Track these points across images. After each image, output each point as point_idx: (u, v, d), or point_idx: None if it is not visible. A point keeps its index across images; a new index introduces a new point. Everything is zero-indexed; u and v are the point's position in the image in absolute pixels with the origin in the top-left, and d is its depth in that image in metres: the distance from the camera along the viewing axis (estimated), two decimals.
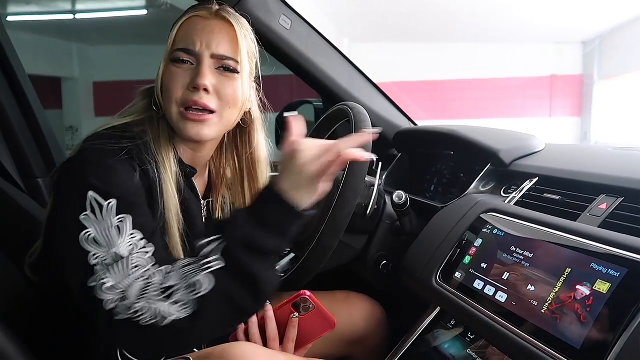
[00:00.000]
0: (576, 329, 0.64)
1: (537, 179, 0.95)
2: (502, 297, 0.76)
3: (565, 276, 0.69)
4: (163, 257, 0.76)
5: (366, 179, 0.98)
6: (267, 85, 0.99)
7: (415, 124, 1.54)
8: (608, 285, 0.64)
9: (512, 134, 1.18)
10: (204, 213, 0.97)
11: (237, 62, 0.87)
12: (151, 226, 0.78)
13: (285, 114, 0.84)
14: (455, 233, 0.93)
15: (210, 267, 0.70)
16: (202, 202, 0.97)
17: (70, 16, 7.05)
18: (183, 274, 0.70)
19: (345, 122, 1.04)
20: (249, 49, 0.90)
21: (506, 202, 0.94)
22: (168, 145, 0.88)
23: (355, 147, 0.74)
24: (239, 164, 1.01)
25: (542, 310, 0.69)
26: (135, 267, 0.72)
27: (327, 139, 1.19)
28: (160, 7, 6.55)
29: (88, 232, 0.72)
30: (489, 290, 0.79)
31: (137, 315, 0.68)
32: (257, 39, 0.93)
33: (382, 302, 1.19)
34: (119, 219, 0.73)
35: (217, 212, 1.01)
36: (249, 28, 0.91)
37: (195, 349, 0.84)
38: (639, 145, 1.06)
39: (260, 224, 0.73)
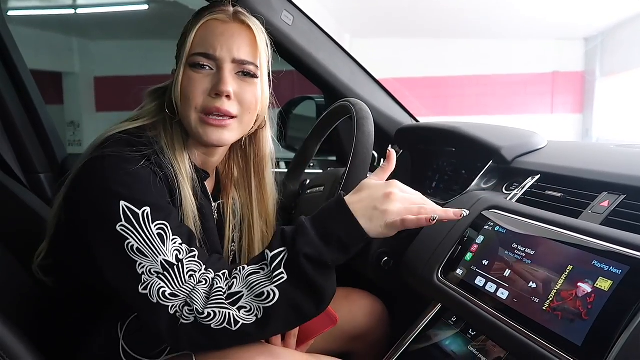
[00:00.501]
0: (577, 326, 0.64)
1: (539, 176, 0.95)
2: (503, 294, 0.76)
3: (566, 273, 0.69)
4: (207, 257, 0.77)
5: (368, 175, 0.98)
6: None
7: (416, 121, 1.54)
8: (610, 282, 0.64)
9: (514, 131, 1.18)
10: (215, 215, 0.98)
11: (257, 66, 0.86)
12: (186, 229, 0.79)
13: (390, 149, 0.85)
14: (457, 230, 0.93)
15: (278, 280, 0.72)
16: (214, 204, 0.98)
17: (71, 11, 7.05)
18: (249, 283, 0.72)
19: (347, 119, 1.04)
20: (266, 53, 0.90)
21: (508, 199, 0.94)
22: (182, 149, 0.88)
23: (446, 219, 0.75)
24: (246, 164, 1.01)
25: (544, 308, 0.69)
26: (191, 271, 0.73)
27: (329, 136, 1.20)
28: (161, 2, 6.54)
29: (129, 242, 0.72)
30: (490, 287, 0.79)
31: (207, 319, 0.70)
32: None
33: (383, 299, 1.19)
34: (157, 226, 0.74)
35: (228, 213, 1.02)
36: (264, 31, 0.91)
37: None
38: None
39: (325, 239, 0.74)
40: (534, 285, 0.72)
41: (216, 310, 0.70)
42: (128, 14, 6.88)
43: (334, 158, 1.61)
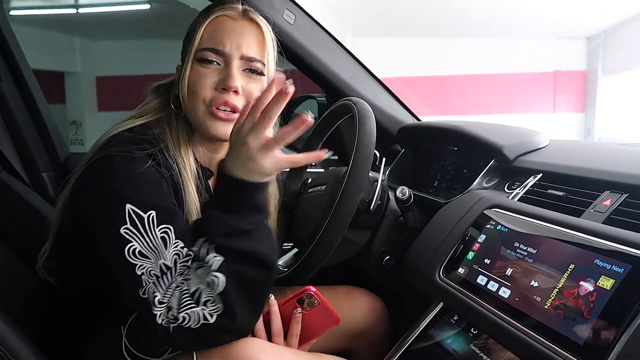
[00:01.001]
0: (579, 325, 0.64)
1: (541, 175, 0.95)
2: (505, 292, 0.76)
3: (568, 272, 0.69)
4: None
5: (370, 174, 0.98)
6: None
7: (418, 120, 1.53)
8: (612, 281, 0.64)
9: (516, 130, 1.17)
10: None
11: (263, 64, 0.87)
12: (189, 232, 0.79)
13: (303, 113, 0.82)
14: (459, 229, 0.93)
15: (214, 265, 0.72)
16: None
17: (73, 10, 7.06)
18: (199, 276, 0.72)
19: (349, 118, 1.04)
20: (274, 51, 0.91)
21: (510, 198, 0.94)
22: (187, 146, 0.88)
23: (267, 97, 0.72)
24: None
25: (545, 306, 0.69)
26: (178, 275, 0.74)
27: (331, 134, 1.20)
28: (163, 1, 6.54)
29: (132, 245, 0.73)
30: (492, 286, 0.79)
31: (184, 322, 0.71)
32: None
33: (383, 297, 1.19)
34: (161, 229, 0.74)
35: None
36: (271, 29, 0.91)
37: None
38: None
39: (229, 211, 0.75)
40: (535, 284, 0.72)
41: (188, 312, 0.71)
42: (130, 13, 6.88)
43: (336, 157, 1.61)
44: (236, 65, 0.85)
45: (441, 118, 1.47)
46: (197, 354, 0.77)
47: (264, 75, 0.88)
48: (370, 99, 1.39)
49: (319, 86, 1.44)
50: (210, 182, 0.95)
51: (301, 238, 1.10)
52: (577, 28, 8.18)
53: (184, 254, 0.75)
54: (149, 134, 0.84)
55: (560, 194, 0.88)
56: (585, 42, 8.65)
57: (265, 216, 0.78)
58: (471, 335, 0.82)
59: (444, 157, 1.32)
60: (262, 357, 0.78)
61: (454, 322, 0.86)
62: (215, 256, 0.72)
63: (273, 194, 1.04)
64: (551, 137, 1.13)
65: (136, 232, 0.73)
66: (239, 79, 0.84)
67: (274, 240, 0.78)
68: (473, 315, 0.81)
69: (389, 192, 1.11)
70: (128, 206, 0.73)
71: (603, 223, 0.75)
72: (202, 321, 0.71)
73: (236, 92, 0.84)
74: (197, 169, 0.87)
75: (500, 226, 0.86)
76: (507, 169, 1.05)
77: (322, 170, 1.59)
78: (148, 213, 0.74)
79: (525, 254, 0.77)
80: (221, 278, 0.71)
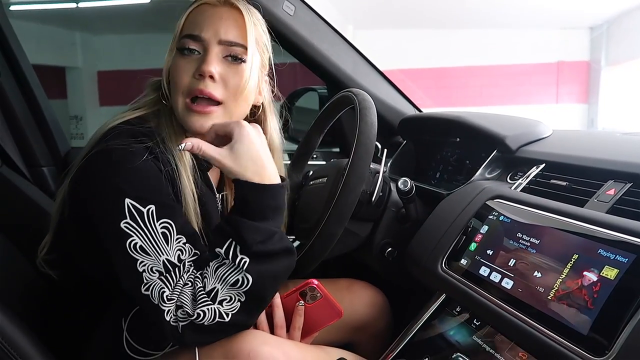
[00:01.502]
0: (583, 316, 0.63)
1: (543, 165, 0.94)
2: (508, 283, 0.76)
3: (572, 262, 0.69)
4: (205, 257, 0.78)
5: (371, 166, 0.98)
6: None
7: (420, 111, 1.53)
8: (616, 271, 0.63)
9: (518, 120, 1.17)
10: (219, 207, 0.98)
11: (244, 48, 0.85)
12: (191, 228, 0.79)
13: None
14: (461, 220, 0.93)
15: (244, 265, 0.74)
16: (217, 195, 0.97)
17: (73, 5, 7.03)
18: (219, 277, 0.74)
19: (350, 109, 1.03)
20: (259, 38, 0.89)
21: (512, 188, 0.94)
22: (182, 138, 0.87)
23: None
24: None
25: (549, 297, 0.68)
26: (186, 273, 0.75)
27: (332, 126, 1.19)
28: None
29: (133, 240, 0.73)
30: (495, 277, 0.78)
31: (199, 319, 0.72)
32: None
33: (384, 290, 1.19)
34: (161, 224, 0.74)
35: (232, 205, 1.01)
36: (260, 18, 0.90)
37: None
38: None
39: (254, 217, 0.77)
40: (539, 275, 0.72)
41: (204, 309, 0.72)
42: (130, 7, 6.85)
43: (337, 149, 1.61)
44: (215, 52, 0.83)
45: (443, 110, 1.46)
46: (198, 347, 0.77)
47: (245, 62, 0.86)
48: (372, 91, 1.38)
49: (319, 78, 1.43)
50: (211, 175, 0.95)
51: (303, 230, 1.10)
52: (580, 18, 8.11)
53: (188, 249, 0.75)
54: (145, 126, 0.83)
55: (564, 184, 0.87)
56: (588, 32, 8.59)
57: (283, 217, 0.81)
58: (474, 326, 0.81)
59: (445, 148, 1.32)
60: (265, 349, 0.78)
61: (456, 313, 0.86)
62: (242, 257, 0.74)
63: None
64: (554, 128, 1.12)
65: (136, 227, 0.73)
66: (215, 65, 0.82)
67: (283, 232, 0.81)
68: (476, 307, 0.81)
69: (391, 183, 1.11)
70: (127, 200, 0.73)
71: (607, 213, 0.74)
72: (217, 319, 0.72)
73: (212, 77, 0.82)
74: (191, 159, 0.87)
75: (502, 217, 0.85)
76: (510, 159, 1.04)
77: (324, 162, 1.58)
78: (147, 207, 0.74)
79: (528, 244, 0.77)
80: (250, 278, 0.74)
